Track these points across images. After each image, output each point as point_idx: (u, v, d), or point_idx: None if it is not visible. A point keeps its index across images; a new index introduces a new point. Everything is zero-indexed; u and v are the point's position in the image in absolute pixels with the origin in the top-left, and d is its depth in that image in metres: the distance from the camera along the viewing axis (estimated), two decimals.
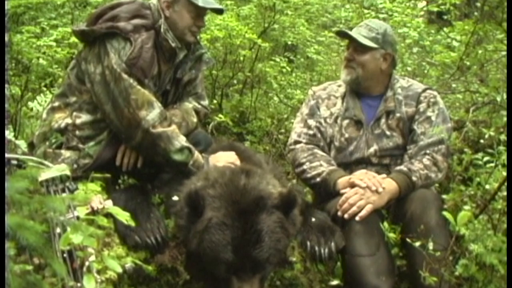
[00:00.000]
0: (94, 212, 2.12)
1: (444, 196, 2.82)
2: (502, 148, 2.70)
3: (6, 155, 2.04)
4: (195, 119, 3.01)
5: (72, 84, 2.86)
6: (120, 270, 1.91)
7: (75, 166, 2.71)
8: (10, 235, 1.54)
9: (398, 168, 2.92)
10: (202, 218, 2.29)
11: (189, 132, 2.94)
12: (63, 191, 2.04)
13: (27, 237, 1.49)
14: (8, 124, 3.63)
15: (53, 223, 1.83)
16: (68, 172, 1.99)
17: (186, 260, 2.47)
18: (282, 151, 4.47)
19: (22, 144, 2.72)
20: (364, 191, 2.75)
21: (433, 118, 3.01)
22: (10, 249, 1.61)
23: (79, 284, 1.80)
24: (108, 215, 2.10)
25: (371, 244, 2.62)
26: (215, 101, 4.94)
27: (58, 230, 1.83)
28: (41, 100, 4.12)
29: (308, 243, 2.63)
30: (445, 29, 4.93)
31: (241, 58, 5.10)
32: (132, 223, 1.99)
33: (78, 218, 1.94)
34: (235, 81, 5.34)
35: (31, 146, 2.85)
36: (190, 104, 3.04)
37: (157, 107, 2.71)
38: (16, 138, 3.01)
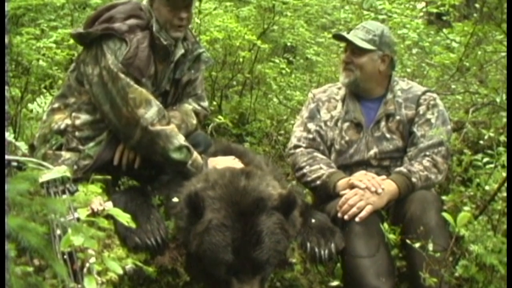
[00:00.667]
0: (94, 213, 2.13)
1: (443, 197, 2.82)
2: (501, 149, 2.71)
3: (7, 157, 2.04)
4: (194, 121, 3.00)
5: (71, 85, 2.87)
6: (121, 271, 1.92)
7: (75, 167, 2.71)
8: (12, 237, 1.54)
9: (397, 169, 2.92)
10: (202, 219, 2.29)
11: (188, 134, 2.94)
12: (64, 192, 2.05)
13: (29, 239, 1.50)
14: (8, 126, 3.63)
15: (53, 225, 1.83)
16: (68, 174, 1.99)
17: (186, 262, 2.47)
18: (282, 153, 4.47)
19: (23, 145, 2.73)
20: (364, 192, 2.75)
21: (433, 121, 3.01)
22: (11, 250, 1.61)
23: (79, 286, 1.80)
24: (108, 217, 2.11)
25: (371, 245, 2.62)
26: (214, 103, 4.94)
27: (58, 231, 1.83)
28: (41, 102, 4.11)
29: (308, 244, 2.63)
30: (444, 30, 4.93)
31: (241, 60, 5.10)
32: (133, 225, 1.99)
33: (78, 219, 1.94)
34: (234, 83, 5.35)
35: (32, 148, 2.85)
36: (189, 106, 3.03)
37: (155, 105, 2.71)
38: (16, 139, 3.01)
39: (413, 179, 2.83)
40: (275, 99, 5.25)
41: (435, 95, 3.15)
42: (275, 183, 2.54)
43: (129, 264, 2.28)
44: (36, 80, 4.49)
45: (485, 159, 2.73)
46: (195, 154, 2.75)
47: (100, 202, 2.18)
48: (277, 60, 5.36)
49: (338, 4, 6.18)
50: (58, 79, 4.47)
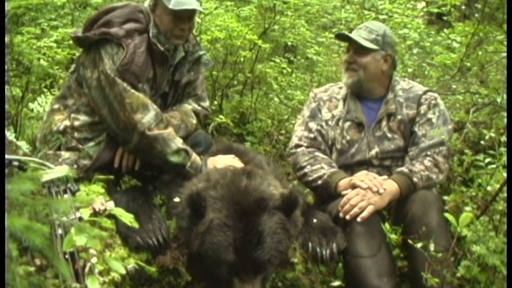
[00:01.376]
0: (96, 213, 2.13)
1: (445, 197, 2.82)
2: (502, 149, 2.71)
3: (8, 156, 2.04)
4: (194, 121, 3.00)
5: (71, 86, 2.87)
6: (123, 271, 1.91)
7: (75, 166, 2.71)
8: (14, 237, 1.54)
9: (399, 169, 2.92)
10: (204, 219, 2.30)
11: (188, 134, 2.94)
12: (65, 192, 2.04)
13: (33, 239, 1.49)
14: (8, 125, 3.63)
15: (55, 225, 1.83)
16: (71, 174, 1.99)
17: (187, 261, 2.47)
18: (283, 152, 4.47)
19: (24, 145, 2.72)
20: (365, 192, 2.75)
21: (434, 120, 3.01)
22: (13, 250, 1.61)
23: (81, 286, 1.80)
24: (110, 216, 2.11)
25: (373, 245, 2.62)
26: (215, 102, 4.94)
27: (60, 231, 1.83)
28: (41, 101, 4.10)
29: (310, 244, 2.63)
30: (445, 30, 4.93)
31: (241, 59, 5.10)
32: (135, 225, 1.99)
33: (80, 219, 1.94)
34: (235, 82, 5.34)
35: (34, 149, 2.85)
36: (189, 106, 3.03)
37: (152, 110, 2.71)
38: (17, 139, 3.00)
39: (415, 179, 2.83)
40: (276, 99, 5.25)
41: (436, 94, 3.15)
42: (277, 182, 2.54)
43: (131, 263, 2.27)
44: (37, 79, 4.49)
45: (487, 160, 2.72)
46: (194, 155, 2.75)
47: (102, 202, 2.18)
48: (278, 60, 5.35)
49: (339, 3, 6.17)
50: (59, 79, 4.47)
